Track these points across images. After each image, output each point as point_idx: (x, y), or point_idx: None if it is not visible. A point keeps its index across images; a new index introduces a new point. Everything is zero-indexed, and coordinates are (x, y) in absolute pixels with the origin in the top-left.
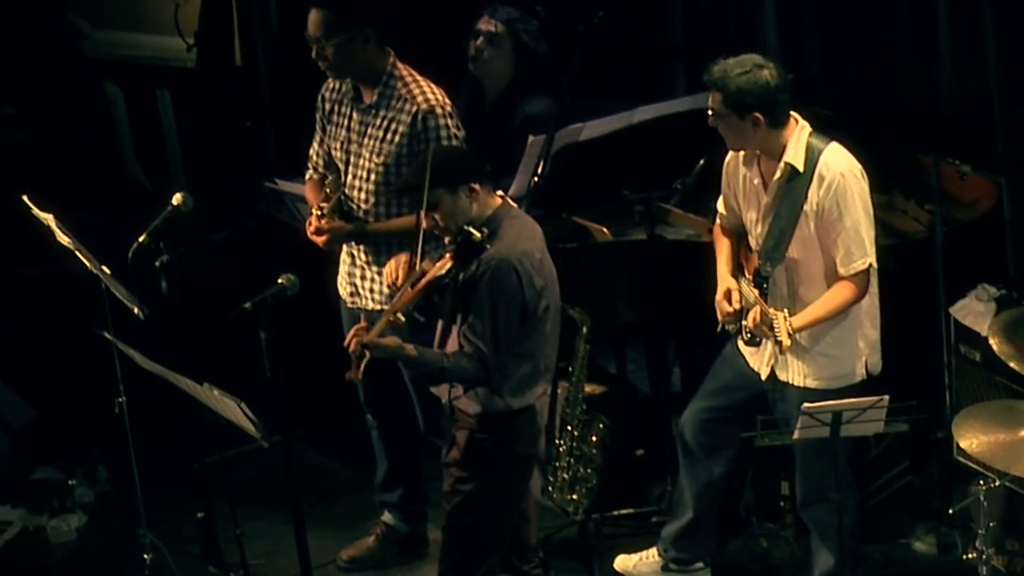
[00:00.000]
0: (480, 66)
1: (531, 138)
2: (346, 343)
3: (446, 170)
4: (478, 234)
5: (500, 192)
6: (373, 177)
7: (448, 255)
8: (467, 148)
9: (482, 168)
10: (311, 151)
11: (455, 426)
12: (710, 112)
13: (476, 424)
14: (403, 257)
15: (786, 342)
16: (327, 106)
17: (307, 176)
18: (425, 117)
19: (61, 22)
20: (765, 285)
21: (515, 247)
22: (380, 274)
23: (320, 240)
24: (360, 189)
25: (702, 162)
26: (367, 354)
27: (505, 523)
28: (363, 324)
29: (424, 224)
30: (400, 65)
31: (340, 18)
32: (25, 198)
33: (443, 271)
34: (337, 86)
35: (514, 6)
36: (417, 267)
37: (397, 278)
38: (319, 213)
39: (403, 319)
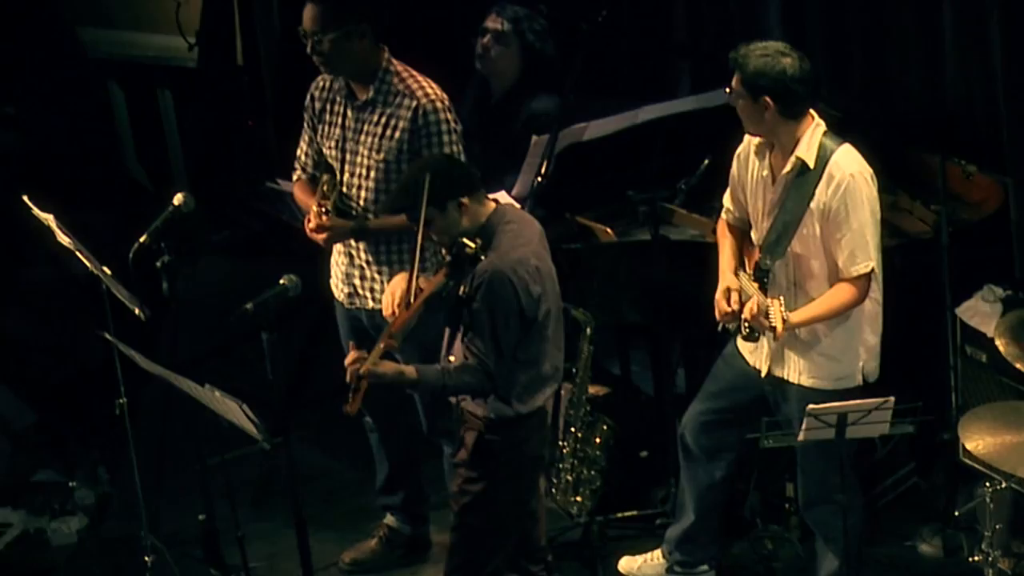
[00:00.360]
0: (487, 64)
1: (535, 138)
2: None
3: (432, 188)
4: (472, 245)
5: (494, 196)
6: (372, 174)
7: (443, 270)
8: (454, 157)
9: (468, 179)
10: (299, 151)
11: (463, 427)
12: (728, 90)
13: (484, 426)
14: (398, 289)
15: (780, 328)
16: (318, 104)
17: (295, 177)
18: (426, 112)
19: (61, 22)
20: (765, 279)
21: (508, 256)
22: (380, 273)
23: (320, 238)
24: (359, 187)
25: (706, 162)
26: (364, 385)
27: (513, 523)
28: (358, 354)
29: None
30: (395, 61)
31: (337, 12)
32: (25, 198)
33: (438, 287)
34: (328, 84)
35: (521, 4)
36: (414, 287)
37: (394, 312)
38: (322, 210)
39: (396, 344)
